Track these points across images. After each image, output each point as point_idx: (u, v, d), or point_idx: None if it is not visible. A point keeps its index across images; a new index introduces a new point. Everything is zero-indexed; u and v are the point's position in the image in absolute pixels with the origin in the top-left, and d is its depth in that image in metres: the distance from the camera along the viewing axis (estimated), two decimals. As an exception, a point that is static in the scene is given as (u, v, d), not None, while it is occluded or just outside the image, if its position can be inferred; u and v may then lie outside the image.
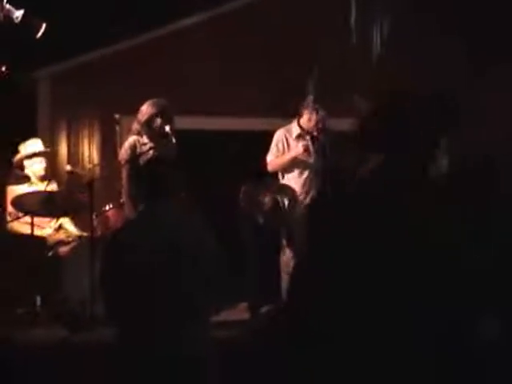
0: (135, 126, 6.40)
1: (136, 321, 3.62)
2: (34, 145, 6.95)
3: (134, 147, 6.31)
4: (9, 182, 6.81)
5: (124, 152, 6.35)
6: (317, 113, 6.59)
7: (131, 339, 3.63)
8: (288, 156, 6.64)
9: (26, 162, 6.85)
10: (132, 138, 6.37)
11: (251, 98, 8.43)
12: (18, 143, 7.01)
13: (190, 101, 8.25)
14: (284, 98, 7.05)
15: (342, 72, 7.64)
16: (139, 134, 6.36)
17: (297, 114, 6.72)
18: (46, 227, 6.73)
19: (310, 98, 6.69)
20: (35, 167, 6.83)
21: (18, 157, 6.87)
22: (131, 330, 3.63)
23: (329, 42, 7.97)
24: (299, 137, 6.67)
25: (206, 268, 3.66)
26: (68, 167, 7.43)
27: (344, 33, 8.09)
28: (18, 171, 6.85)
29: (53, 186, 6.91)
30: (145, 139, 6.34)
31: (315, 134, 6.58)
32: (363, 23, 8.19)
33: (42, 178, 6.84)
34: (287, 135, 6.73)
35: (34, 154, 6.84)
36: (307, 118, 6.62)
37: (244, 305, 6.51)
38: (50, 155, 7.27)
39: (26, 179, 6.83)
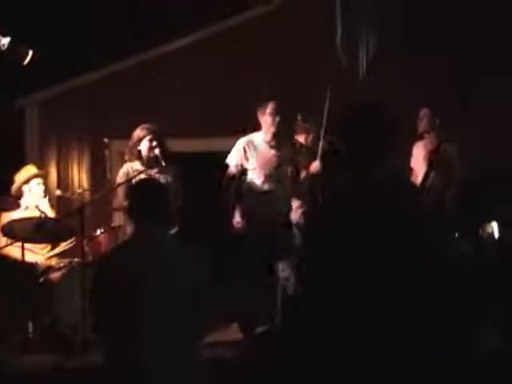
0: (127, 153, 6.44)
1: (125, 343, 3.61)
2: (28, 170, 6.99)
3: (126, 174, 6.32)
4: (1, 209, 6.81)
5: (118, 180, 6.38)
6: (308, 133, 6.66)
7: (121, 362, 3.62)
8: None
9: (25, 188, 6.87)
10: (125, 166, 6.40)
11: (243, 120, 8.46)
12: (7, 168, 7.05)
13: (181, 123, 8.29)
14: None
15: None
16: (131, 160, 6.39)
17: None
18: (38, 253, 6.73)
19: (299, 117, 6.75)
20: (34, 190, 6.86)
21: (15, 185, 6.89)
22: (120, 352, 3.63)
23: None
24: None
25: (195, 291, 3.67)
26: (58, 192, 7.45)
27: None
28: (10, 198, 6.86)
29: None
30: (137, 165, 6.35)
31: None
32: (348, 41, 8.23)
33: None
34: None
35: (32, 176, 6.87)
36: (302, 137, 6.71)
37: (236, 325, 6.51)
38: (46, 177, 7.32)
39: (17, 206, 6.83)
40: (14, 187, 6.89)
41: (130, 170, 6.32)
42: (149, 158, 6.30)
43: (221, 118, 8.43)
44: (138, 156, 6.33)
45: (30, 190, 6.88)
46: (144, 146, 6.30)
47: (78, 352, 5.59)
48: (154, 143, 6.26)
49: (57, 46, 8.26)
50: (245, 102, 8.39)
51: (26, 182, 6.89)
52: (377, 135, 2.70)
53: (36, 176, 6.94)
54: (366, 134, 2.69)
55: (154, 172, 6.31)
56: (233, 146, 6.76)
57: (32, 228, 6.18)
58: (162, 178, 6.14)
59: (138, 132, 6.33)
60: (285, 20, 8.62)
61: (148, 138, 6.28)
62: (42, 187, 6.93)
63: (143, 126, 6.37)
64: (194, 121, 8.52)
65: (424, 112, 6.51)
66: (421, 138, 6.61)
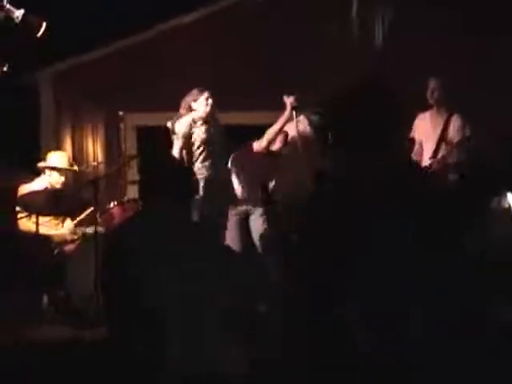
0: (182, 108, 6.55)
1: (136, 318, 3.63)
2: (57, 158, 6.97)
3: (190, 124, 6.45)
4: (20, 182, 6.84)
5: (182, 128, 6.46)
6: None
7: (131, 336, 3.64)
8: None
9: (47, 172, 6.89)
10: (188, 117, 6.51)
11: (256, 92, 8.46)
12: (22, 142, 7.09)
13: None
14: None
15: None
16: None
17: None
18: (52, 227, 6.78)
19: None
20: (53, 178, 6.85)
21: (41, 164, 6.92)
22: (131, 326, 3.65)
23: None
24: None
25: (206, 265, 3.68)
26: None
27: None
28: (26, 174, 6.90)
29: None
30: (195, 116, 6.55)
31: None
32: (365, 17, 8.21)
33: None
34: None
35: (56, 169, 6.86)
36: None
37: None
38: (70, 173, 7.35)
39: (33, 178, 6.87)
40: (40, 165, 6.91)
41: (191, 120, 6.39)
42: (207, 114, 6.42)
43: (235, 91, 8.42)
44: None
45: (50, 175, 6.87)
46: (201, 105, 6.39)
47: (91, 324, 5.63)
48: (210, 101, 6.39)
49: (71, 19, 8.24)
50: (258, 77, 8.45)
51: (50, 168, 6.89)
52: (386, 117, 2.66)
53: (59, 170, 6.91)
54: (373, 116, 2.65)
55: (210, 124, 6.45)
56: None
57: (45, 201, 6.22)
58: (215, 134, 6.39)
59: (195, 91, 6.43)
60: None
61: (205, 96, 6.40)
62: (62, 179, 6.89)
63: (198, 88, 6.47)
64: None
65: (433, 82, 6.39)
66: (428, 109, 6.50)
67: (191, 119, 6.37)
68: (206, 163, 6.34)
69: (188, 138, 6.32)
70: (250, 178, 6.85)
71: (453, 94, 6.40)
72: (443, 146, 6.27)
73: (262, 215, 6.76)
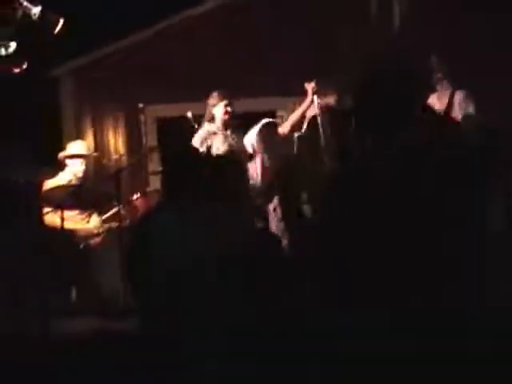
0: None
1: (164, 308, 3.66)
2: (77, 146, 7.04)
3: (202, 137, 6.53)
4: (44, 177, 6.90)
5: (194, 143, 6.56)
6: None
7: (160, 327, 3.68)
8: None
9: (68, 161, 6.93)
10: (201, 130, 6.61)
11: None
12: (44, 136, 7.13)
13: (213, 88, 8.29)
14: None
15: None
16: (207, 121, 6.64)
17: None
18: (78, 222, 6.83)
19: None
20: (75, 168, 6.89)
21: (60, 154, 6.97)
22: (159, 317, 3.68)
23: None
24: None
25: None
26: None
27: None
28: (48, 168, 6.96)
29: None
30: (212, 127, 6.61)
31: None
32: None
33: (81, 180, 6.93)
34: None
35: (77, 156, 6.92)
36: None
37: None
38: (93, 158, 7.39)
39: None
40: (60, 156, 6.96)
41: (206, 133, 6.49)
42: (224, 121, 6.51)
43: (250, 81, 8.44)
44: (212, 119, 6.53)
45: (72, 165, 6.92)
46: (219, 111, 6.48)
47: (119, 316, 5.68)
48: (229, 108, 6.48)
49: (88, 14, 8.28)
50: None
51: (71, 157, 6.93)
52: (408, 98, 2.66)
53: (81, 157, 6.97)
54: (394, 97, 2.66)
55: (228, 133, 6.52)
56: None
57: (68, 195, 6.27)
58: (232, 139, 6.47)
59: (215, 96, 6.53)
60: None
61: (224, 103, 6.49)
62: (83, 168, 6.93)
63: (219, 91, 6.56)
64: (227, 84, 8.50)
65: (433, 61, 6.33)
66: (434, 90, 6.45)
67: (205, 133, 6.42)
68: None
69: (207, 152, 6.34)
70: (271, 158, 6.82)
71: (453, 73, 6.37)
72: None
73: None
